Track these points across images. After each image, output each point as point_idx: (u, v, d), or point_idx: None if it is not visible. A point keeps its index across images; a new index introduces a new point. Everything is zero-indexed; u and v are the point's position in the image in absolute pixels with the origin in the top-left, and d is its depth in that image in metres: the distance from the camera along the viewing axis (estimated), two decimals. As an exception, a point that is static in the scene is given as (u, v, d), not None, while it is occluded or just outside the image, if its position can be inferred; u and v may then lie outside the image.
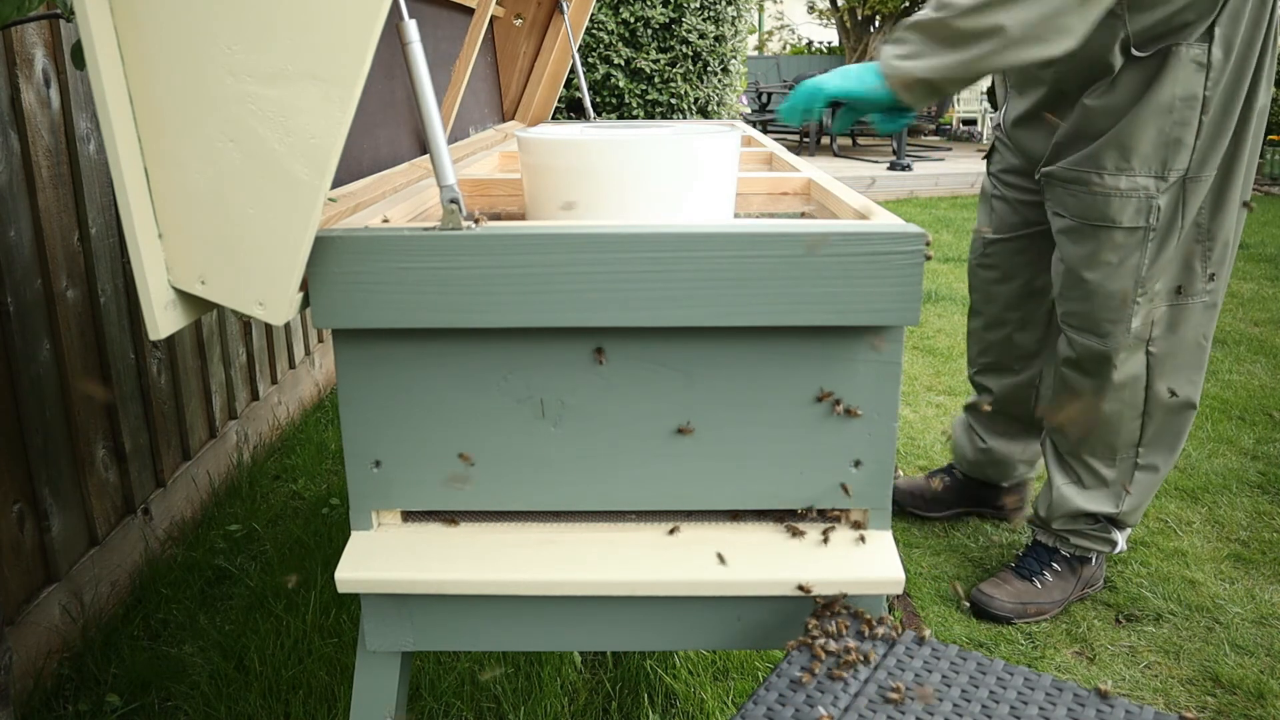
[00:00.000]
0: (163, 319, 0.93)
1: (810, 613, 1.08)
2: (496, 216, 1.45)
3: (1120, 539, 1.90)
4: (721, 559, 1.09)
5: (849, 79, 1.46)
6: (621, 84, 5.11)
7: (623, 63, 5.11)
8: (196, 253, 0.93)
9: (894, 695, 0.93)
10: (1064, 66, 1.63)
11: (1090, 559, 1.92)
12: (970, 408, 2.20)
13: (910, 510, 2.27)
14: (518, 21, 2.51)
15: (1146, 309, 1.69)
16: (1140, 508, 1.87)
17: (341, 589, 1.09)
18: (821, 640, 1.01)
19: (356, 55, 0.86)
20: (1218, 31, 1.53)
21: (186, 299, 0.96)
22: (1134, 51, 1.57)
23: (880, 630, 1.03)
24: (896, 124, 1.50)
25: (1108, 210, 1.64)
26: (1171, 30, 1.54)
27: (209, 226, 0.92)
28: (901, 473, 2.53)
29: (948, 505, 2.26)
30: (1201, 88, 1.56)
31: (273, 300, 0.93)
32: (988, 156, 2.03)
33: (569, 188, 1.18)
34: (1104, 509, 1.84)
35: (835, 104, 1.51)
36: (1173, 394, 1.76)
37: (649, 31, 5.11)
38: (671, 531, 1.14)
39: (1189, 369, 1.75)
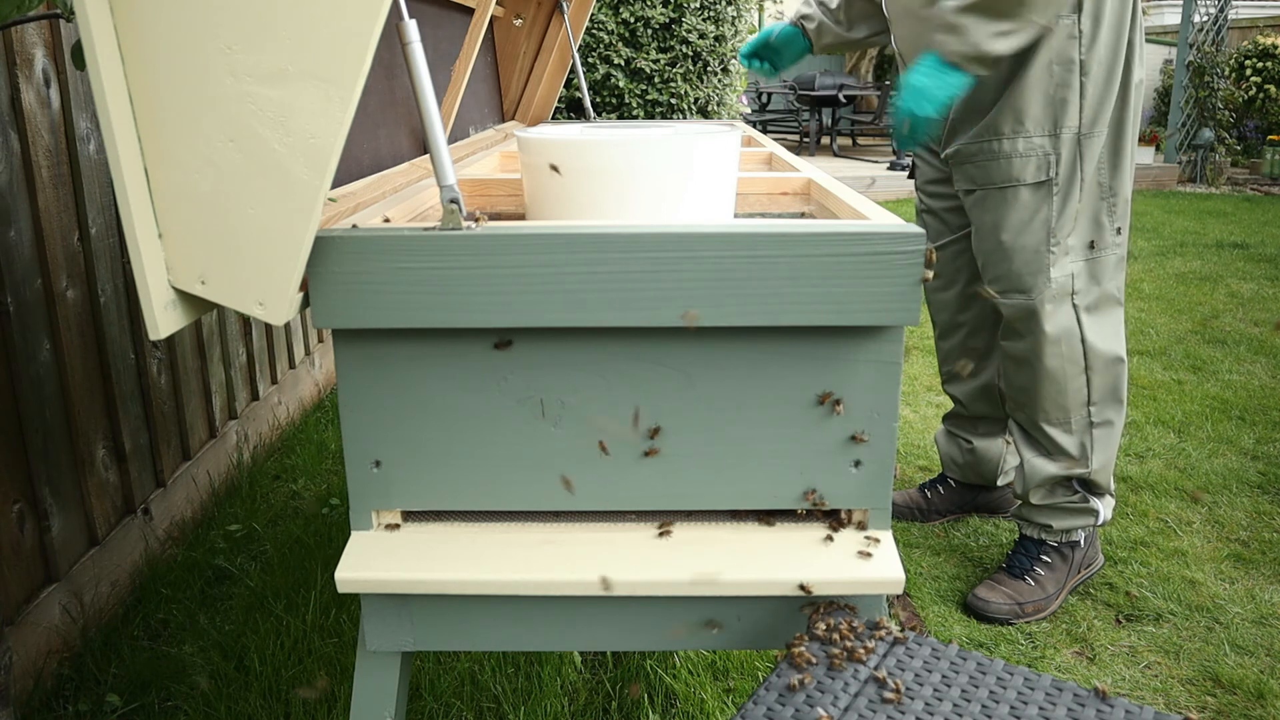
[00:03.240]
0: (163, 319, 0.93)
1: (809, 615, 1.08)
2: (497, 216, 1.45)
3: (1101, 507, 1.93)
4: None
5: (934, 89, 1.60)
6: (621, 84, 5.11)
7: (623, 63, 5.11)
8: (196, 253, 0.93)
9: (892, 695, 0.93)
10: None
11: (1079, 541, 1.95)
12: (949, 417, 2.24)
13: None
14: (518, 22, 2.51)
15: (1063, 260, 1.79)
16: (1109, 466, 1.92)
17: (341, 589, 1.09)
18: (822, 636, 1.00)
19: (356, 55, 0.86)
20: (1085, 4, 1.68)
21: (187, 299, 0.96)
22: None
23: (880, 630, 1.03)
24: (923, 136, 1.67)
25: (1011, 171, 1.76)
26: None
27: (209, 226, 0.92)
28: (900, 470, 2.54)
29: (944, 514, 2.28)
30: (1077, 53, 1.70)
31: (273, 300, 0.93)
32: (911, 173, 2.12)
33: (569, 188, 1.18)
34: (1075, 471, 1.89)
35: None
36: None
37: (649, 31, 5.11)
38: (661, 534, 1.13)
39: (1115, 322, 1.87)
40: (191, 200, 0.92)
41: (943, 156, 1.87)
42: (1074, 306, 1.81)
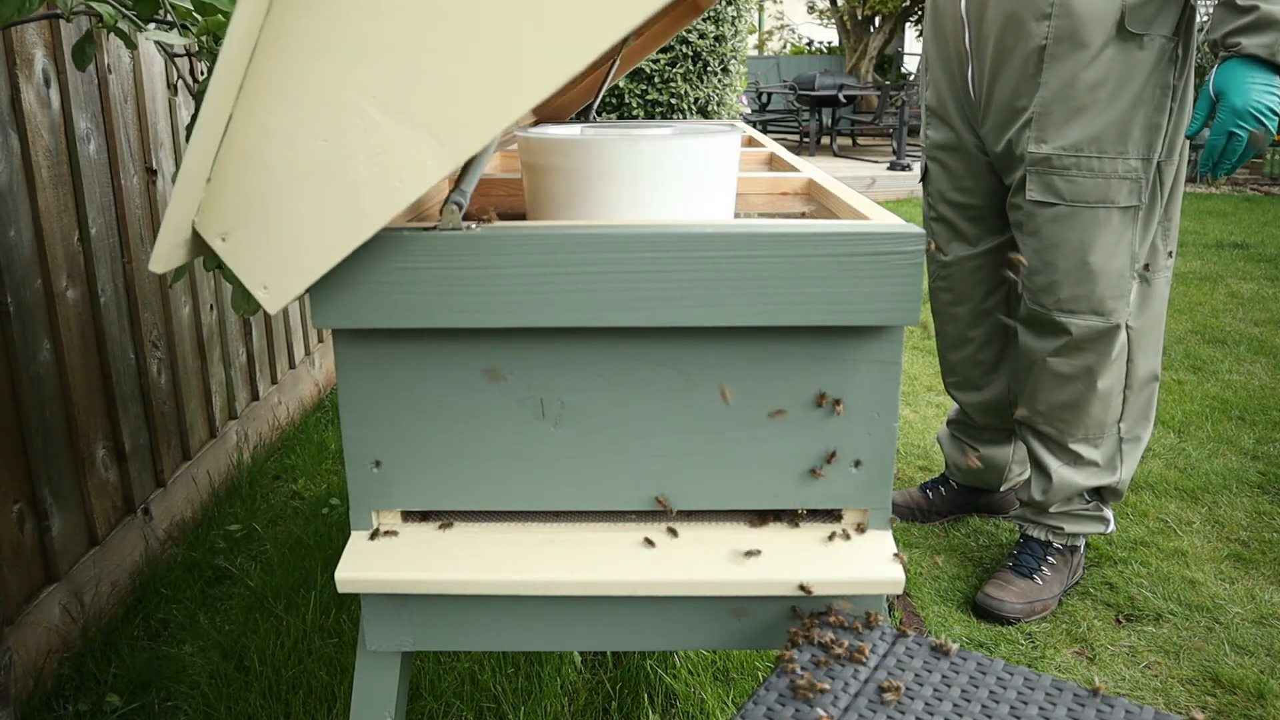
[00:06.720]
0: (167, 254, 0.91)
1: (808, 615, 1.08)
2: (499, 216, 1.44)
3: (1111, 517, 1.96)
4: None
5: (1268, 91, 1.53)
6: (621, 84, 5.11)
7: (623, 63, 5.10)
8: (232, 210, 0.91)
9: (892, 696, 0.93)
10: (1057, 24, 1.67)
11: (1080, 546, 1.96)
12: (952, 422, 2.23)
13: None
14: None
15: (1132, 284, 1.80)
16: (1130, 478, 1.95)
17: (341, 589, 1.09)
18: (821, 636, 1.00)
19: (481, 137, 0.86)
20: (1182, 27, 1.67)
21: (195, 246, 0.94)
22: (1127, 27, 1.65)
23: (879, 631, 1.03)
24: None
25: (1107, 191, 1.72)
26: (1160, 15, 1.64)
27: (257, 197, 0.90)
28: (900, 470, 2.53)
29: (944, 515, 2.28)
30: (1172, 77, 1.69)
31: (277, 289, 0.93)
32: (923, 176, 2.04)
33: (569, 188, 1.18)
34: (1104, 481, 1.91)
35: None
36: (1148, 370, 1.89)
37: (649, 31, 5.11)
38: (645, 542, 1.13)
39: (1156, 342, 1.88)
40: (256, 166, 0.90)
41: (1027, 157, 1.76)
42: (1127, 329, 1.81)
